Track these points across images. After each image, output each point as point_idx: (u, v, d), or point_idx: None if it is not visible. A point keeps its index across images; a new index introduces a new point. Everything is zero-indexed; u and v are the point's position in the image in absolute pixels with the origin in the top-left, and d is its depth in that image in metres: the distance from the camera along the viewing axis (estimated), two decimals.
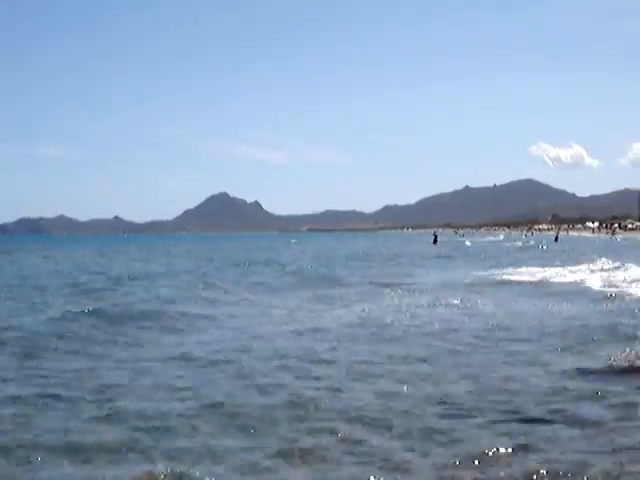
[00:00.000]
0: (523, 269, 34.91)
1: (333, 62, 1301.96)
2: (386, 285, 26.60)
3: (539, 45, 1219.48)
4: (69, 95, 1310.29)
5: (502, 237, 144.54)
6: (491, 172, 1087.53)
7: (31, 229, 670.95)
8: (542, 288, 25.00)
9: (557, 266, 36.26)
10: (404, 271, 36.60)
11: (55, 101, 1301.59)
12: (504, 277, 29.79)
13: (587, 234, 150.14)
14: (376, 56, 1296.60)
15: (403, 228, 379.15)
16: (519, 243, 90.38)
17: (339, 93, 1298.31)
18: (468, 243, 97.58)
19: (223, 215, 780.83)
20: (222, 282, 28.73)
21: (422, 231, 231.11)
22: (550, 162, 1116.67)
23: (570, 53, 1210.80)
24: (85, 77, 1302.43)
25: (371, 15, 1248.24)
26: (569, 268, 34.20)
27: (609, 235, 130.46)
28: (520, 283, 27.03)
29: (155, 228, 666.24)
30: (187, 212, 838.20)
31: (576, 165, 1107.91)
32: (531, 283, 27.01)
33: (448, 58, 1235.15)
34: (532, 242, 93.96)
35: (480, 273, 33.10)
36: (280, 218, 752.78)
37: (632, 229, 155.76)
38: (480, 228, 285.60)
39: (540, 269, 34.13)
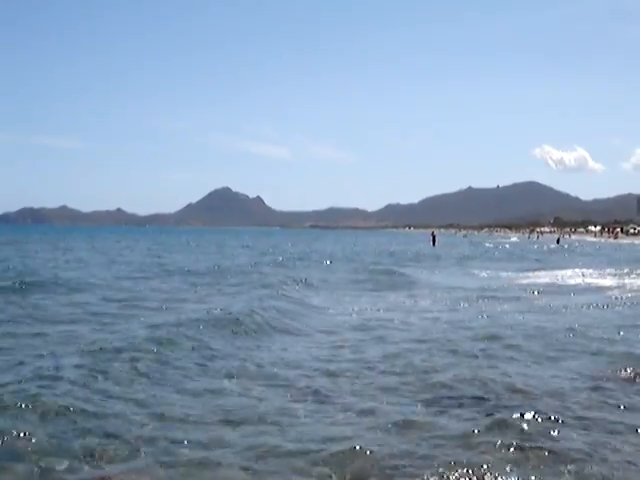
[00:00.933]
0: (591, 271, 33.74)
1: (339, 59, 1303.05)
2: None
3: (544, 48, 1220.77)
4: (73, 86, 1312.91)
5: (516, 239, 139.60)
6: (494, 173, 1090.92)
7: (33, 219, 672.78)
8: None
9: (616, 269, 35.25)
10: (466, 270, 35.99)
11: (58, 92, 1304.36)
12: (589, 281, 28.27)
13: (589, 238, 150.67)
14: (382, 54, 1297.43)
15: (405, 227, 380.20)
16: (545, 247, 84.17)
17: (344, 90, 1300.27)
18: (488, 245, 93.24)
19: (225, 210, 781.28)
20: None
21: (424, 231, 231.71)
22: (553, 165, 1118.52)
23: (575, 56, 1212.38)
24: (89, 69, 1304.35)
25: (376, 14, 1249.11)
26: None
27: (611, 239, 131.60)
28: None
29: (157, 221, 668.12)
30: (189, 206, 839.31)
31: (580, 168, 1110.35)
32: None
33: (453, 59, 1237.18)
34: (552, 245, 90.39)
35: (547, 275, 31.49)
36: (282, 214, 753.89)
37: (634, 234, 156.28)
38: (482, 229, 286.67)
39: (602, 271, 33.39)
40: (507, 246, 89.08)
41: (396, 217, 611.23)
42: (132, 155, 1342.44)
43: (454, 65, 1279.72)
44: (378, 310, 18.11)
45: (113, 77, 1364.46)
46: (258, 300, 18.32)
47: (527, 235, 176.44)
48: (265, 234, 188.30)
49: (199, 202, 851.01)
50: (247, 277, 28.39)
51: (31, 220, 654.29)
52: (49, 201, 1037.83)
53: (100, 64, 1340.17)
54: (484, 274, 32.75)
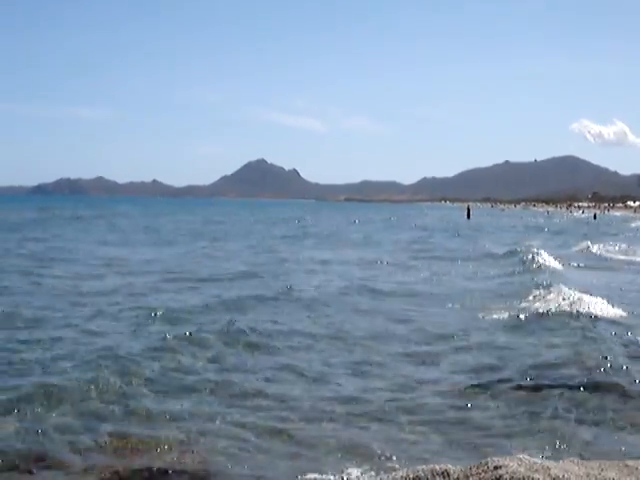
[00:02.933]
0: None
1: (373, 32, 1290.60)
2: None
3: (582, 20, 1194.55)
4: (109, 57, 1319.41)
5: (587, 214, 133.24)
6: (532, 148, 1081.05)
7: (70, 190, 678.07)
8: None
9: None
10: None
11: (95, 63, 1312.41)
12: None
13: (628, 213, 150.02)
14: (417, 28, 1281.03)
15: (441, 200, 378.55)
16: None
17: (380, 63, 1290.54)
18: (557, 220, 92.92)
19: (260, 182, 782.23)
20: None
21: (460, 204, 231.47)
22: (592, 139, 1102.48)
23: (612, 29, 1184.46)
24: (125, 39, 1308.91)
25: None
26: None
27: None
28: None
29: (192, 193, 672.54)
30: (224, 178, 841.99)
31: (619, 142, 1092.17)
32: None
33: (490, 31, 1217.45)
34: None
35: None
36: (317, 187, 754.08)
37: None
38: (519, 203, 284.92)
39: None
40: (556, 220, 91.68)
41: (431, 190, 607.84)
42: (168, 127, 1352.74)
43: (493, 38, 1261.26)
44: None
45: (149, 49, 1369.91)
46: None
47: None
48: (328, 207, 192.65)
49: (234, 174, 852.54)
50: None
51: (68, 191, 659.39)
52: (86, 172, 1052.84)
53: (134, 35, 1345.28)
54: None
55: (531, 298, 16.88)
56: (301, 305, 15.98)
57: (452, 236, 50.40)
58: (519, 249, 31.75)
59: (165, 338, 11.44)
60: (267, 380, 9.57)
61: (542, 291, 17.56)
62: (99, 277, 21.00)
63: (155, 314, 13.84)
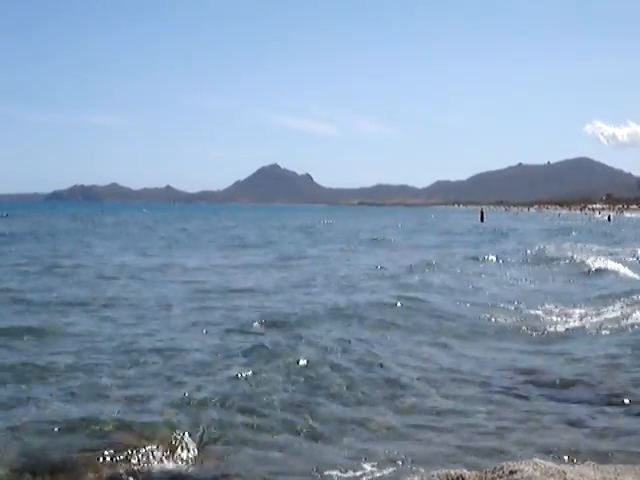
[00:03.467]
0: None
1: (384, 35, 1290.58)
2: None
3: (597, 21, 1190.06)
4: (123, 65, 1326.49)
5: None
6: (545, 150, 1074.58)
7: (84, 196, 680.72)
8: None
9: None
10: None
11: (108, 71, 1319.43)
12: None
13: None
14: (429, 30, 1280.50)
15: (454, 204, 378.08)
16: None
17: (390, 66, 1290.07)
18: (609, 222, 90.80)
19: (273, 187, 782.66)
20: None
21: (474, 207, 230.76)
22: (605, 141, 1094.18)
23: (628, 29, 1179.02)
24: (136, 47, 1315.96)
25: None
26: None
27: None
28: None
29: (205, 198, 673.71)
30: (237, 183, 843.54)
31: (633, 144, 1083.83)
32: None
33: (500, 33, 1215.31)
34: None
35: None
36: (330, 191, 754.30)
37: None
38: (532, 206, 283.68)
39: None
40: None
41: (445, 194, 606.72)
42: (181, 133, 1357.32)
43: (503, 40, 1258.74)
44: None
45: (160, 56, 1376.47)
46: None
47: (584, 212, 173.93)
48: (336, 211, 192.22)
49: (247, 179, 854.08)
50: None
51: (82, 197, 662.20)
52: (99, 179, 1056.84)
53: (145, 42, 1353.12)
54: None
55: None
56: None
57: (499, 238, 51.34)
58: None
59: None
60: None
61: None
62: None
63: None
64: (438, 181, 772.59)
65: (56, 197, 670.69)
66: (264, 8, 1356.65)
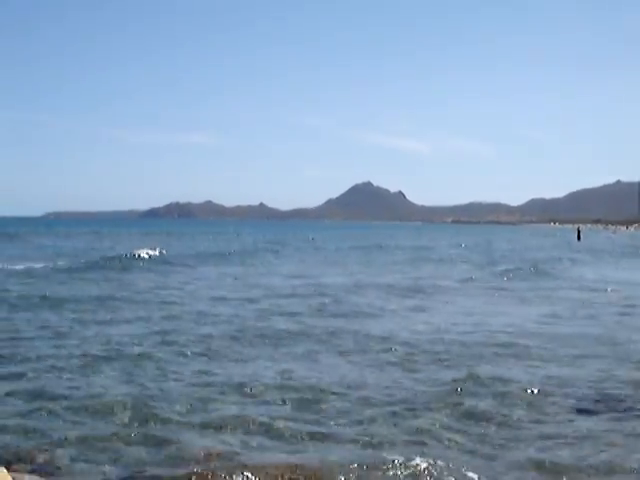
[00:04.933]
0: None
1: (475, 52, 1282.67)
2: None
3: None
4: (217, 85, 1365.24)
5: None
6: None
7: (180, 213, 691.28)
8: None
9: None
10: None
11: (203, 91, 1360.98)
12: None
13: None
14: (521, 48, 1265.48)
15: (549, 222, 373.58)
16: None
17: (485, 83, 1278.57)
18: None
19: (366, 204, 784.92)
20: None
21: (570, 226, 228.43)
22: None
23: None
24: (234, 68, 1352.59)
25: (519, 8, 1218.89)
26: None
27: None
28: None
29: (298, 215, 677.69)
30: (330, 201, 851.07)
31: None
32: None
33: (598, 50, 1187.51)
34: None
35: None
36: (423, 208, 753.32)
37: None
38: (632, 225, 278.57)
39: None
40: None
41: (540, 212, 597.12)
42: (274, 151, 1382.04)
43: (600, 57, 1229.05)
44: None
45: (255, 75, 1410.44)
46: None
47: None
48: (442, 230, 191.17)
49: (339, 197, 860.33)
50: None
51: (177, 214, 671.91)
52: (194, 196, 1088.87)
53: (242, 64, 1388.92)
54: None
55: None
56: None
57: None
58: None
59: None
60: None
61: None
62: None
63: None
64: (533, 199, 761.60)
65: (152, 214, 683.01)
66: (359, 28, 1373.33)
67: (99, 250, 48.64)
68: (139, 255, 36.34)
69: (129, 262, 33.62)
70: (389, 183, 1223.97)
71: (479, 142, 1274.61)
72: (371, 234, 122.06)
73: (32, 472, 6.50)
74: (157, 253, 39.54)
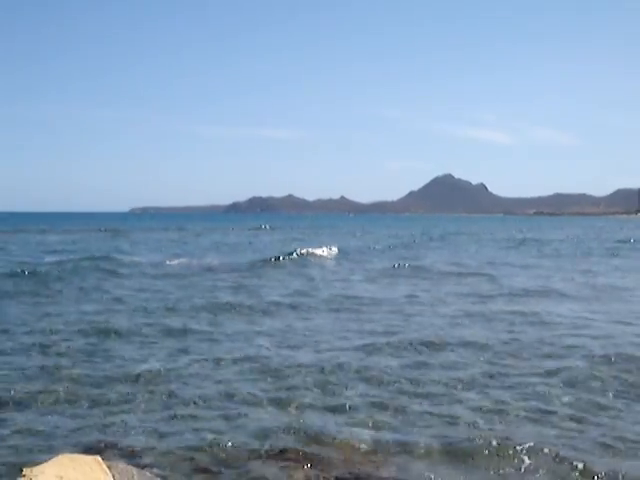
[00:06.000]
0: None
1: (558, 44, 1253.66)
2: None
3: None
4: (298, 79, 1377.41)
5: None
6: None
7: (262, 207, 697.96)
8: None
9: None
10: None
11: (284, 85, 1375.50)
12: None
13: None
14: (605, 38, 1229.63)
15: (637, 212, 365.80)
16: None
17: (565, 73, 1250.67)
18: None
19: (448, 197, 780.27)
20: None
21: None
22: None
23: None
24: (308, 63, 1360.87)
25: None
26: None
27: None
28: None
29: (379, 209, 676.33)
30: (411, 193, 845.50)
31: None
32: None
33: None
34: None
35: None
36: (505, 200, 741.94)
37: None
38: None
39: None
40: None
41: (627, 203, 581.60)
42: (354, 144, 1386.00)
43: None
44: None
45: (334, 69, 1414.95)
46: None
47: None
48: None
49: (421, 189, 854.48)
50: None
51: (260, 209, 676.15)
52: (276, 190, 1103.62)
53: (316, 59, 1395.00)
54: None
55: None
56: None
57: None
58: None
59: None
60: None
61: None
62: None
63: None
64: (619, 189, 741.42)
65: (235, 208, 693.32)
66: (441, 20, 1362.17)
67: (269, 246, 47.70)
68: (315, 253, 36.00)
69: (304, 260, 33.11)
70: (470, 175, 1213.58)
71: (561, 132, 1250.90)
72: (495, 228, 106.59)
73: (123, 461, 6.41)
74: (335, 250, 38.03)
